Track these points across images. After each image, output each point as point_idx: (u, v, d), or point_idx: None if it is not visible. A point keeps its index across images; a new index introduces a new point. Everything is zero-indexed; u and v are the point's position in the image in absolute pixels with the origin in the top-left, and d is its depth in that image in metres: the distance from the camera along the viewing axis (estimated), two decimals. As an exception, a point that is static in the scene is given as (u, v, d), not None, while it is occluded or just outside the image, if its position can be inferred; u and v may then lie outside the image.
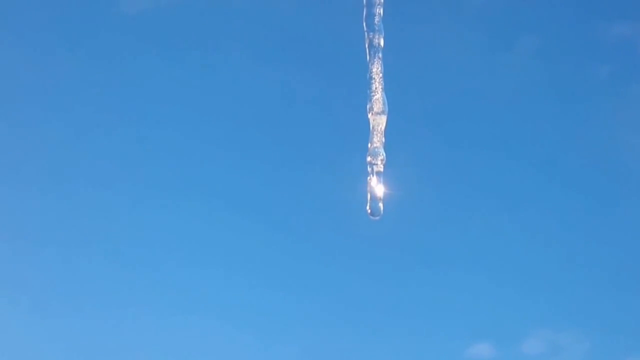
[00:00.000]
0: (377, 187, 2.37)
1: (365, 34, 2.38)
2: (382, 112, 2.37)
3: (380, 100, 2.37)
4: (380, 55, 2.37)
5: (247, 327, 7.29)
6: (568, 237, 7.59)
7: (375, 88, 2.37)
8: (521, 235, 7.55)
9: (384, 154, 2.36)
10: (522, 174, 7.64)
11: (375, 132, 2.36)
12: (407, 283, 7.42)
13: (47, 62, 7.56)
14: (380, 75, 2.37)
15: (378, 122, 2.36)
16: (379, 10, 2.38)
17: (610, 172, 7.63)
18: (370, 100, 2.37)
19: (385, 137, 2.37)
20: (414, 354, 7.31)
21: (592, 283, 7.46)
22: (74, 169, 7.51)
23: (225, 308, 7.38)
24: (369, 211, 2.38)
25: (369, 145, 2.37)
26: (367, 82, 2.37)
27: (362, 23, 2.39)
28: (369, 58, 2.37)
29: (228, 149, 7.62)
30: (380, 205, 2.37)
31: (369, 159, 2.37)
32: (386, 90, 2.37)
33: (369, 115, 2.37)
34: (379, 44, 2.37)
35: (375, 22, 2.38)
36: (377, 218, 2.39)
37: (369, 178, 2.37)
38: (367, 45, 2.38)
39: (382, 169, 2.36)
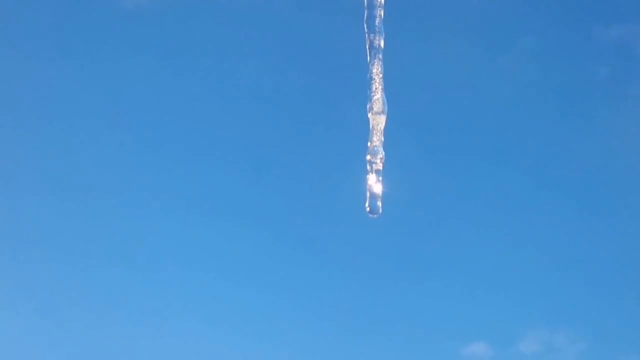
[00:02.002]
0: (376, 185, 2.40)
1: (366, 35, 2.41)
2: (382, 112, 2.40)
3: (380, 100, 2.40)
4: (381, 56, 2.40)
5: (247, 332, 7.32)
6: (564, 238, 7.62)
7: (375, 88, 2.40)
8: (518, 236, 7.58)
9: (383, 153, 2.40)
10: (520, 174, 7.67)
11: (374, 131, 2.40)
12: (404, 283, 7.45)
13: (48, 63, 7.57)
14: (380, 75, 2.40)
15: (378, 121, 2.40)
16: (380, 13, 2.42)
17: (607, 173, 7.67)
18: (371, 100, 2.40)
19: (384, 136, 2.40)
20: (410, 354, 7.34)
21: (587, 284, 7.50)
22: (70, 174, 7.51)
23: (223, 312, 7.40)
24: (368, 209, 2.41)
25: (369, 144, 2.40)
26: (368, 82, 2.41)
27: (363, 25, 2.42)
28: (370, 59, 2.41)
29: (226, 150, 7.65)
30: (379, 203, 2.40)
31: (368, 157, 2.40)
32: (386, 90, 2.40)
33: (369, 115, 2.41)
34: (379, 45, 2.41)
35: (376, 23, 2.41)
36: (376, 216, 2.42)
37: (368, 176, 2.40)
38: (367, 47, 2.41)
39: (381, 167, 2.40)
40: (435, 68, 7.55)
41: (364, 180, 2.41)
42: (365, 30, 2.42)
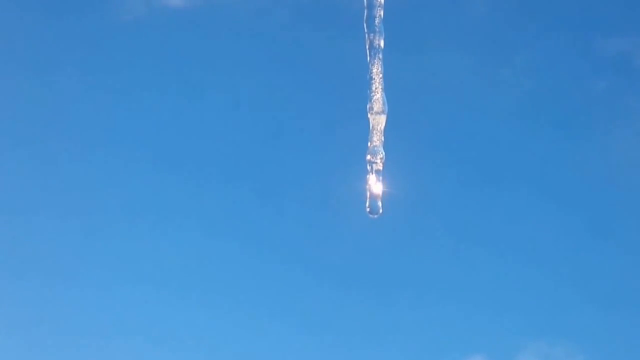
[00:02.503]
0: (376, 185, 2.40)
1: (366, 35, 2.42)
2: (382, 112, 2.41)
3: (380, 100, 2.41)
4: (381, 56, 2.41)
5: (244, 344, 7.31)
6: (562, 251, 7.62)
7: (375, 88, 2.41)
8: (515, 248, 7.58)
9: (383, 153, 2.40)
10: (518, 186, 7.68)
11: (374, 131, 2.40)
12: (402, 294, 7.44)
13: (43, 75, 7.57)
14: (380, 75, 2.40)
15: (378, 121, 2.40)
16: (380, 13, 2.42)
17: (607, 186, 7.67)
18: (371, 100, 2.41)
19: (384, 136, 2.41)
20: (408, 367, 7.33)
21: (586, 298, 7.50)
22: (65, 191, 7.49)
23: (222, 321, 7.39)
24: (368, 209, 2.42)
25: (369, 144, 2.41)
26: (368, 82, 2.41)
27: (363, 25, 2.43)
28: (370, 59, 2.41)
29: (226, 152, 7.65)
30: (379, 203, 2.41)
31: (368, 157, 2.41)
32: (386, 90, 2.41)
33: (369, 115, 2.41)
34: (379, 45, 2.41)
35: (376, 23, 2.42)
36: (376, 216, 2.42)
37: (368, 176, 2.40)
38: (367, 47, 2.42)
39: (381, 167, 2.40)
40: (434, 76, 7.57)
41: (364, 181, 2.41)
42: (365, 30, 2.42)
